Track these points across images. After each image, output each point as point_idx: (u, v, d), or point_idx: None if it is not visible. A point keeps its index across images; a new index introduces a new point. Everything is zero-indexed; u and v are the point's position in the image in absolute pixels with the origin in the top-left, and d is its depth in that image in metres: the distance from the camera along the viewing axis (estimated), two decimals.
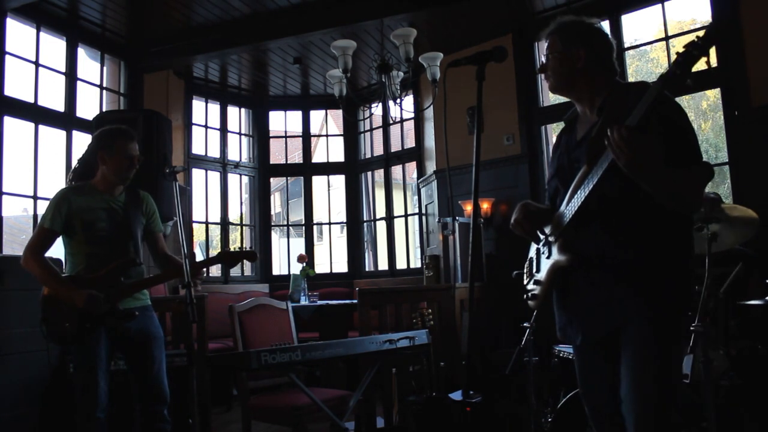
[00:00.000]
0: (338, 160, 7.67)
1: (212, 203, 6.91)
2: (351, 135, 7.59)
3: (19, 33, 4.93)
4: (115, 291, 2.52)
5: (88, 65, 5.65)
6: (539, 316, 2.99)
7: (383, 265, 7.23)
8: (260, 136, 7.41)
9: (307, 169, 7.66)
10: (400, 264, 7.07)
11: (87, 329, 2.46)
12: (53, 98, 5.23)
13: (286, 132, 7.98)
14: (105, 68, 5.73)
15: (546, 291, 1.84)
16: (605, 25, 5.14)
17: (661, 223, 1.64)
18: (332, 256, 7.60)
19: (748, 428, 2.61)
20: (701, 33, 1.44)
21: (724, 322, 2.77)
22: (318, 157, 8.95)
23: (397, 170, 8.16)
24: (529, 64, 5.56)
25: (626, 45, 5.33)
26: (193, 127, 6.68)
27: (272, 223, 7.62)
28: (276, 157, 8.32)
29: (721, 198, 2.81)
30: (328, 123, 11.49)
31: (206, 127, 6.89)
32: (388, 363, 3.33)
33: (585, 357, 1.85)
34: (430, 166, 6.44)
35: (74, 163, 2.79)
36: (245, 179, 7.40)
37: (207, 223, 7.05)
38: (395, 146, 7.26)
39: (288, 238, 7.85)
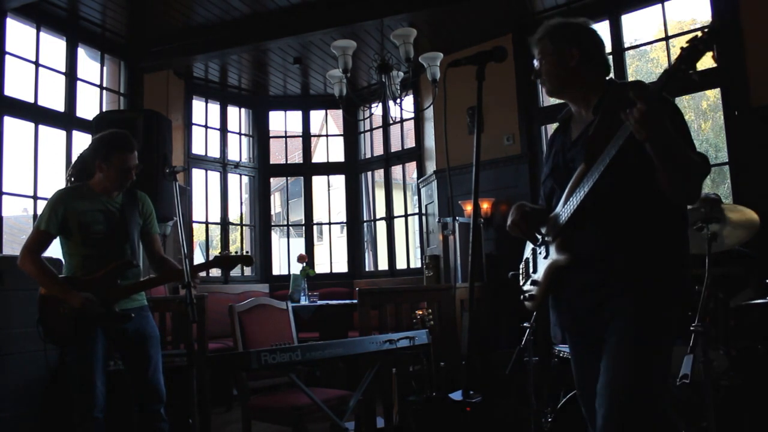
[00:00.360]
0: (338, 160, 7.67)
1: (212, 203, 6.92)
2: (351, 135, 7.59)
3: (19, 33, 4.94)
4: (112, 293, 2.52)
5: (88, 65, 5.66)
6: (539, 316, 2.98)
7: (383, 265, 7.23)
8: (260, 136, 7.41)
9: (307, 169, 7.65)
10: (400, 264, 7.07)
11: (83, 330, 2.46)
12: (53, 98, 5.23)
13: (286, 132, 7.98)
14: (105, 68, 5.73)
15: (544, 291, 1.84)
16: (605, 26, 5.15)
17: (657, 222, 1.64)
18: (332, 256, 7.60)
19: (748, 428, 2.60)
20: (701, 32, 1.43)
21: (724, 322, 2.77)
22: (318, 157, 8.94)
23: (397, 170, 8.16)
24: (529, 64, 5.56)
25: (626, 45, 5.32)
26: (193, 127, 6.68)
27: (272, 223, 7.62)
28: (276, 157, 8.32)
29: (721, 198, 2.82)
30: (328, 123, 11.49)
31: (206, 127, 6.89)
32: (388, 363, 3.33)
33: (580, 357, 1.85)
34: (430, 166, 6.44)
35: (75, 158, 2.77)
36: (245, 179, 7.39)
37: (207, 223, 7.05)
38: (395, 146, 7.26)
39: (288, 238, 7.85)
